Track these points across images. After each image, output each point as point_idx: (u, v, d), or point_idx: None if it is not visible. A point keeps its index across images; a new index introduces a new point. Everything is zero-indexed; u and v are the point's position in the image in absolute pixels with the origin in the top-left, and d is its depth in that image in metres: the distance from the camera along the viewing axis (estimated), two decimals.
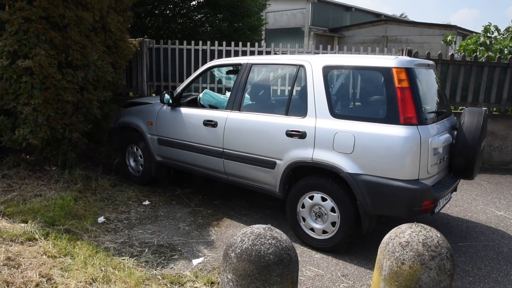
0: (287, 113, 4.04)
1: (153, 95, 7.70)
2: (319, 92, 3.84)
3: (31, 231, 3.70)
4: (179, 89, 4.95)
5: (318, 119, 3.81)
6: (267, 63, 4.48)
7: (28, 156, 5.23)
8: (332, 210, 3.78)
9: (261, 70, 4.55)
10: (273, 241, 2.84)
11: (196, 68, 7.25)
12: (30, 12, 4.56)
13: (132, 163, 5.58)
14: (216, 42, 7.19)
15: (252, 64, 4.40)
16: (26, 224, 3.83)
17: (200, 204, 4.99)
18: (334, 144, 3.67)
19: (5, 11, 4.60)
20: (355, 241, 3.97)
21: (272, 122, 4.07)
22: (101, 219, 4.32)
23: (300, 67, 4.05)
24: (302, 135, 3.85)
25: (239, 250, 2.75)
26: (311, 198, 3.90)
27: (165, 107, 5.04)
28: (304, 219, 3.99)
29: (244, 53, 7.17)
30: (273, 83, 4.82)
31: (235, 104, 4.39)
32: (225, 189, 5.48)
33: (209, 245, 3.97)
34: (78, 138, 5.18)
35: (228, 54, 7.19)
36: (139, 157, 5.42)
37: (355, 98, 4.05)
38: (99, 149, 6.34)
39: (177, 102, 4.92)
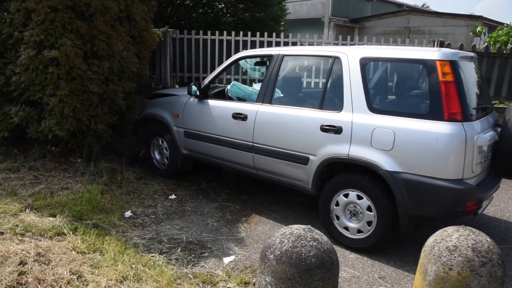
0: (321, 107, 3.87)
1: (176, 86, 7.60)
2: (356, 86, 3.66)
3: (60, 226, 3.63)
4: (206, 81, 4.82)
5: (355, 113, 3.63)
6: (300, 55, 4.31)
7: (53, 148, 5.18)
8: (369, 209, 3.63)
9: (293, 62, 4.39)
10: (314, 243, 2.71)
11: (220, 59, 7.11)
12: (56, 1, 4.45)
13: (157, 156, 5.48)
14: (241, 33, 7.03)
15: (284, 56, 4.24)
16: (54, 218, 3.76)
17: (227, 199, 4.87)
18: (372, 140, 3.50)
19: (32, 0, 4.51)
20: (390, 241, 3.81)
21: (305, 116, 3.91)
22: (128, 214, 4.24)
23: (336, 58, 3.87)
24: (337, 130, 3.68)
25: (279, 252, 2.62)
26: (346, 196, 3.75)
27: (192, 99, 4.92)
28: (337, 218, 3.85)
29: (269, 44, 7.00)
30: (306, 75, 4.65)
31: (266, 97, 4.24)
32: (252, 184, 5.35)
33: (239, 243, 3.85)
34: (104, 130, 5.10)
35: (253, 45, 7.03)
36: (165, 150, 5.32)
37: (394, 92, 3.86)
38: (123, 140, 6.26)
39: (204, 94, 4.79)
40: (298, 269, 2.55)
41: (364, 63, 3.68)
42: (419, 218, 3.86)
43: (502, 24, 18.52)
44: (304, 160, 3.94)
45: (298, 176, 4.06)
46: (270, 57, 4.38)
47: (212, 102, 4.71)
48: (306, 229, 2.90)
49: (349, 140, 3.63)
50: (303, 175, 4.01)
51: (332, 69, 3.89)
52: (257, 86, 5.41)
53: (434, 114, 3.30)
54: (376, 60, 3.72)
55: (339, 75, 3.82)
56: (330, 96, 3.89)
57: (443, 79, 3.29)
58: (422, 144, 3.30)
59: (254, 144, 4.28)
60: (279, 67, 4.23)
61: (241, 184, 5.36)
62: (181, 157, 5.15)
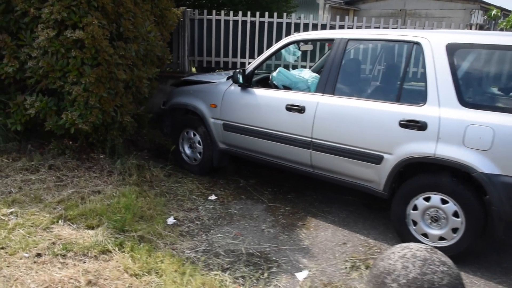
0: (398, 99, 3.40)
1: (194, 70, 6.99)
2: (443, 76, 3.20)
3: (102, 241, 3.08)
4: (251, 67, 4.26)
5: (442, 108, 3.18)
6: (369, 39, 3.79)
7: (70, 142, 4.55)
8: (455, 214, 3.21)
9: (360, 47, 3.89)
10: (444, 268, 2.27)
11: (243, 41, 6.52)
12: None
13: (188, 150, 4.93)
14: (266, 14, 6.42)
15: (349, 40, 3.72)
16: (93, 231, 3.20)
17: (273, 199, 4.39)
18: (465, 138, 3.07)
19: None
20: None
21: (380, 110, 3.43)
22: (171, 220, 3.72)
23: (415, 44, 3.38)
24: (422, 126, 3.23)
25: (405, 281, 2.17)
26: (427, 199, 3.32)
27: (233, 87, 4.37)
28: (415, 223, 3.43)
29: (297, 27, 6.44)
30: (376, 63, 4.17)
31: (327, 87, 3.74)
32: (293, 180, 4.86)
33: (306, 253, 3.40)
34: (130, 122, 4.51)
35: (279, 27, 6.45)
36: (197, 144, 4.76)
37: (490, 84, 3.42)
38: (141, 131, 5.66)
39: (249, 82, 4.24)
40: None
41: (452, 50, 3.21)
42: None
43: (499, 8, 18.33)
44: (376, 159, 3.48)
45: (368, 177, 3.61)
46: (330, 41, 3.87)
47: (259, 92, 4.17)
48: (429, 250, 2.45)
49: (435, 138, 3.19)
50: (374, 176, 3.56)
51: (411, 57, 3.42)
52: (296, 72, 4.89)
53: None
54: (466, 46, 3.25)
55: (421, 63, 3.35)
56: (410, 87, 3.44)
57: None
58: None
59: (313, 140, 3.79)
60: (342, 53, 3.72)
61: (281, 181, 4.87)
62: (218, 152, 4.62)
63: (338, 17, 6.56)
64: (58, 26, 3.89)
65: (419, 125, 3.24)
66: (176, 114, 4.99)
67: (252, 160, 4.45)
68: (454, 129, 3.12)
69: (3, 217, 3.20)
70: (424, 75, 3.30)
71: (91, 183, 3.96)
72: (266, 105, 4.08)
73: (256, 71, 4.33)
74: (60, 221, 3.27)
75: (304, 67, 6.33)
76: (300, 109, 3.82)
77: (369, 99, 3.56)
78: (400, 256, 2.37)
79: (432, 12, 18.72)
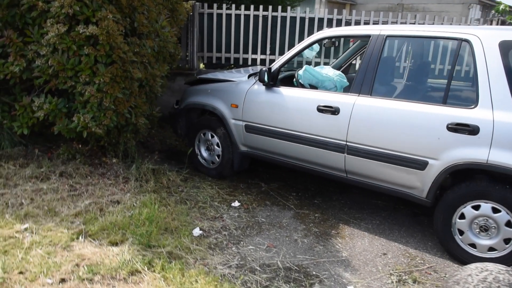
0: (445, 101, 3.17)
1: (202, 66, 6.67)
2: (497, 76, 2.97)
3: (130, 260, 2.79)
4: (276, 65, 3.98)
5: (496, 110, 2.96)
6: (410, 36, 3.51)
7: (80, 146, 4.23)
8: (508, 224, 3.00)
9: (401, 45, 3.62)
10: None
11: (255, 36, 6.21)
12: None
13: (205, 153, 4.63)
14: (280, 8, 6.12)
15: (387, 36, 3.46)
16: (117, 248, 2.91)
17: (299, 204, 4.13)
18: None
19: None
20: None
21: (424, 113, 3.19)
22: (196, 231, 3.44)
23: (463, 41, 3.14)
24: (473, 130, 3.00)
25: None
26: (476, 208, 3.10)
27: (256, 86, 4.08)
28: (461, 232, 3.21)
29: (311, 21, 6.15)
30: (418, 61, 3.92)
31: (364, 87, 3.48)
32: (317, 183, 4.61)
33: (346, 266, 3.16)
34: (144, 124, 4.20)
35: (293, 22, 6.16)
36: (216, 146, 4.47)
37: None
38: (151, 132, 5.34)
39: (274, 81, 3.96)
40: None
41: (506, 48, 2.98)
42: None
43: (497, 2, 18.27)
44: (420, 165, 3.25)
45: (409, 183, 3.37)
46: (366, 38, 3.60)
47: (287, 91, 3.89)
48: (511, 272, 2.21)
49: (488, 143, 2.96)
50: (417, 182, 3.32)
51: (459, 55, 3.18)
52: (318, 69, 4.62)
53: None
54: None
55: (470, 62, 3.12)
56: (458, 88, 3.21)
57: None
58: None
59: (348, 144, 3.54)
60: (380, 51, 3.46)
61: (304, 184, 4.61)
62: (239, 155, 4.34)
63: (373, 13, 6.25)
64: (69, 21, 3.55)
65: (470, 129, 3.01)
66: (191, 115, 4.69)
67: (277, 164, 4.18)
68: (510, 133, 2.89)
69: (17, 235, 2.89)
70: (474, 75, 3.06)
71: (108, 191, 3.65)
72: (295, 105, 3.81)
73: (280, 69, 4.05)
74: (80, 237, 2.97)
75: (318, 63, 6.07)
76: (334, 111, 3.56)
77: (411, 101, 3.31)
78: (480, 280, 2.12)
79: (430, 7, 18.58)
